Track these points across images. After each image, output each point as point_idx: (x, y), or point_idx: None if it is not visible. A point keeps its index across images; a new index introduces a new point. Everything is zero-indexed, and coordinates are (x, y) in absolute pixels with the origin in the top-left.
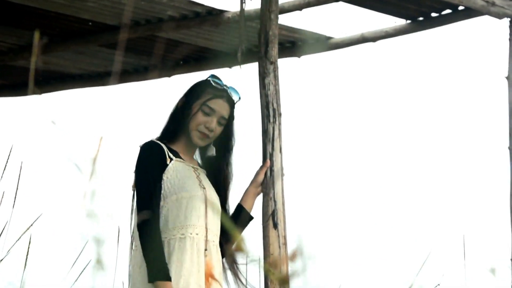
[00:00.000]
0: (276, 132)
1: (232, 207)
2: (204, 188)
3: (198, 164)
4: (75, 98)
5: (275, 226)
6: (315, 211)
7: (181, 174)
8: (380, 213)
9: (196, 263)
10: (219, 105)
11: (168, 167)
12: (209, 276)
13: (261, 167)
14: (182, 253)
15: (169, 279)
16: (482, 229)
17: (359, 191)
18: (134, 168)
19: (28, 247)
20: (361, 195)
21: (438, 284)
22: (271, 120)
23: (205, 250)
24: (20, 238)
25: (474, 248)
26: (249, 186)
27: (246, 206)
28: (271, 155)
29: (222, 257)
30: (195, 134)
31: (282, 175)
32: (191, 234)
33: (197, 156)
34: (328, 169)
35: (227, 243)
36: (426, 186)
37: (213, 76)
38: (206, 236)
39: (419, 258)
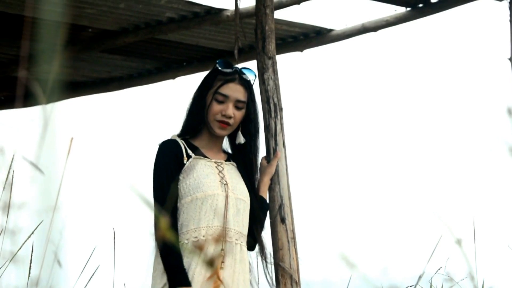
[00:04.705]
0: (278, 127)
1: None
2: (226, 184)
3: (228, 157)
4: (81, 106)
5: (283, 220)
6: (322, 203)
7: (199, 173)
8: (387, 201)
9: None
10: (231, 89)
11: (185, 166)
12: (214, 275)
13: (274, 158)
14: (193, 257)
15: (188, 284)
16: (493, 214)
17: (365, 181)
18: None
19: None
20: (367, 185)
21: (440, 268)
22: (273, 115)
23: (222, 250)
24: None
25: (485, 231)
26: (264, 177)
27: (264, 196)
28: (274, 150)
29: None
30: (215, 125)
31: (287, 169)
32: (203, 237)
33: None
34: (333, 162)
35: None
36: (434, 171)
37: (220, 61)
38: (224, 236)
39: (428, 244)
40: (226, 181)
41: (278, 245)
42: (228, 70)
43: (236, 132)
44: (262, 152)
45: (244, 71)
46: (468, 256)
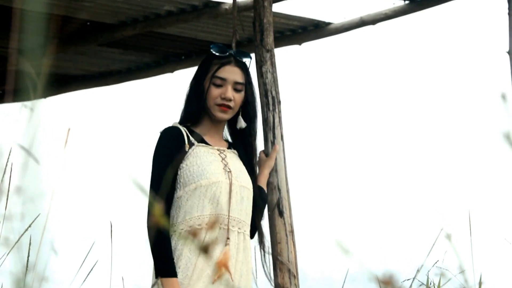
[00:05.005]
0: (277, 120)
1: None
2: (229, 171)
3: (229, 145)
4: (80, 99)
5: (281, 214)
6: (320, 197)
7: (202, 160)
8: (385, 195)
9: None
10: (228, 72)
11: (188, 153)
12: (221, 265)
13: (272, 151)
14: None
15: (174, 275)
16: (488, 207)
17: (363, 174)
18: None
19: None
20: (365, 178)
21: (437, 261)
22: (271, 108)
23: (227, 238)
24: None
25: (481, 224)
26: (264, 170)
27: (264, 188)
28: (272, 143)
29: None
30: (215, 110)
31: (285, 162)
32: (207, 224)
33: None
34: (331, 155)
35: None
36: (431, 165)
37: (214, 45)
38: (228, 225)
39: (426, 236)
40: (229, 169)
41: (276, 239)
42: (223, 53)
43: (236, 117)
44: (260, 137)
45: (239, 53)
46: (463, 250)
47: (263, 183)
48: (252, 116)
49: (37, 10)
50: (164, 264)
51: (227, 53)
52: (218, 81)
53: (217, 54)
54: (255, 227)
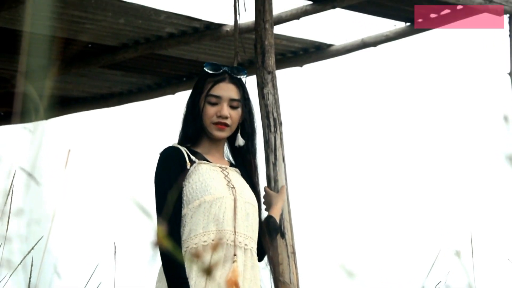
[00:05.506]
0: (278, 142)
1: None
2: (233, 188)
3: (231, 164)
4: (81, 121)
5: (283, 235)
6: (322, 218)
7: (205, 176)
8: (387, 215)
9: (219, 271)
10: (223, 89)
11: (190, 171)
12: (233, 284)
13: (282, 188)
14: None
15: None
16: (491, 228)
17: (365, 196)
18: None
19: None
20: (367, 200)
21: (439, 282)
22: (272, 129)
23: (234, 255)
24: None
25: (482, 245)
26: (278, 203)
27: (277, 218)
28: (274, 165)
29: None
30: (212, 128)
31: (287, 184)
32: (213, 240)
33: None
34: (333, 177)
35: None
36: (432, 186)
37: (207, 63)
38: (235, 241)
39: (427, 257)
40: (233, 185)
41: (278, 260)
42: (217, 71)
43: (235, 135)
44: (262, 157)
45: (233, 69)
46: (467, 269)
47: (276, 214)
48: (250, 133)
49: (39, 33)
50: (176, 284)
51: (221, 70)
52: (213, 99)
53: (211, 72)
54: (263, 252)
